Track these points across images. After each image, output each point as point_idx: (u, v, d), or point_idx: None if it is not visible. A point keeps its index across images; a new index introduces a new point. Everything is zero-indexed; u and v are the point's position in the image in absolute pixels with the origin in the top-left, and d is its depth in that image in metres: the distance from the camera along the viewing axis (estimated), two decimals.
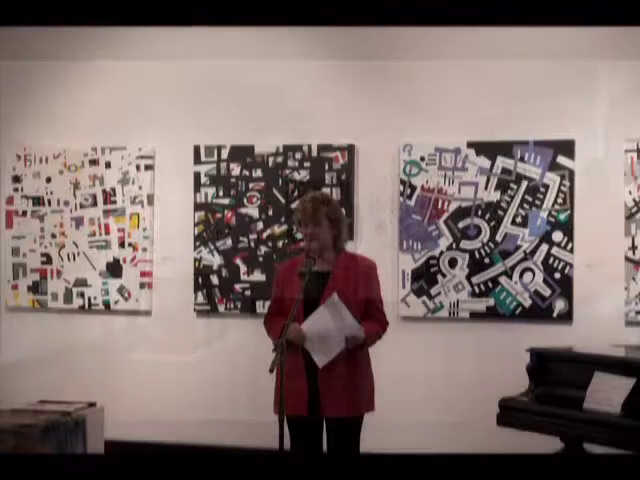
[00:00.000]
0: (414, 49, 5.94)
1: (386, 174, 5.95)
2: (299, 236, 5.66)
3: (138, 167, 6.26)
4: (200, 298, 6.15)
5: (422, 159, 5.87)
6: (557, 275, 5.66)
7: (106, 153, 6.31)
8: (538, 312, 5.68)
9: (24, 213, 6.43)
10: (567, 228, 5.66)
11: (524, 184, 5.73)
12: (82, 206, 6.34)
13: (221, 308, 6.12)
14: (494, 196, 5.77)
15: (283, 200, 6.06)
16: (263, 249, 6.07)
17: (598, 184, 5.66)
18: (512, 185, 5.75)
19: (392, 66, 5.97)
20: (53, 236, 6.37)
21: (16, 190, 6.44)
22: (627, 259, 5.59)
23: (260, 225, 6.09)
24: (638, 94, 5.63)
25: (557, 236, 5.67)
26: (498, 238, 5.76)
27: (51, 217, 6.38)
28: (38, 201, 6.40)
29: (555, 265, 5.66)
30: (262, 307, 5.94)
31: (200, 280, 6.15)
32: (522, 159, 5.73)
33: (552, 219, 5.68)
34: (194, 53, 6.21)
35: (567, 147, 5.67)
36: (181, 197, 6.22)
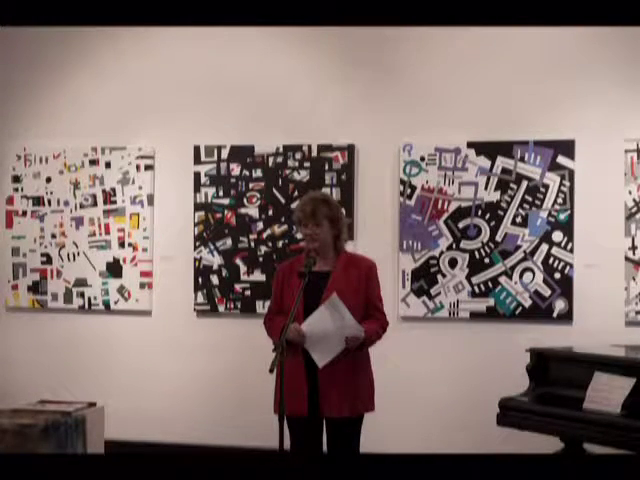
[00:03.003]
0: (414, 49, 5.94)
1: (386, 174, 5.95)
2: (299, 236, 5.66)
3: (138, 167, 6.27)
4: (200, 298, 6.15)
5: (422, 159, 5.87)
6: (557, 275, 5.66)
7: (106, 153, 6.31)
8: (538, 312, 5.68)
9: (24, 213, 6.44)
10: (567, 228, 5.66)
11: (524, 184, 5.73)
12: (82, 206, 6.34)
13: (221, 308, 6.12)
14: (494, 196, 5.77)
15: (283, 200, 6.06)
16: (263, 249, 6.07)
17: (598, 184, 5.66)
18: (512, 185, 5.75)
19: (392, 66, 5.97)
20: (53, 236, 6.37)
21: (16, 190, 6.44)
22: (627, 259, 5.59)
23: (260, 225, 6.09)
24: (638, 94, 5.63)
25: (557, 236, 5.68)
26: (498, 238, 5.76)
27: (51, 217, 6.38)
28: (38, 201, 6.40)
29: (555, 265, 5.66)
30: (262, 307, 5.94)
31: (200, 280, 6.15)
32: (522, 159, 5.73)
33: (552, 219, 5.68)
34: (194, 53, 6.22)
35: (567, 147, 5.67)
36: (181, 197, 6.22)
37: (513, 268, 5.73)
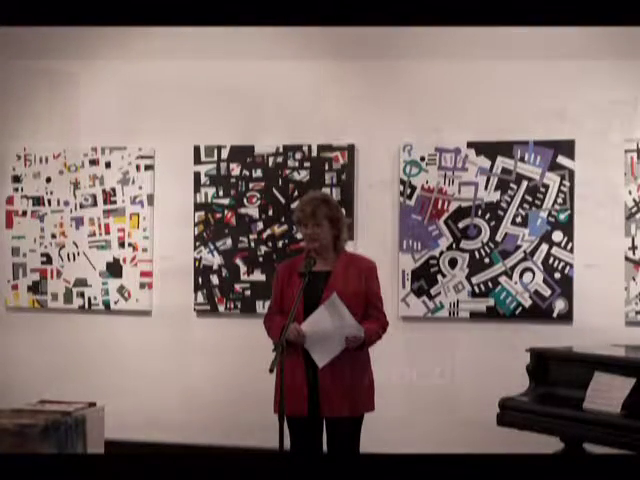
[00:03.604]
0: (414, 49, 5.94)
1: (386, 174, 5.95)
2: (299, 236, 5.66)
3: (138, 167, 6.27)
4: (200, 298, 6.15)
5: (422, 159, 5.87)
6: (557, 275, 5.66)
7: (106, 153, 6.31)
8: (538, 312, 5.68)
9: (24, 213, 6.43)
10: (567, 228, 5.66)
11: (524, 184, 5.73)
12: (82, 206, 6.34)
13: (221, 308, 6.12)
14: (494, 196, 5.77)
15: (283, 200, 6.06)
16: (263, 249, 6.07)
17: (598, 184, 5.66)
18: (512, 185, 5.75)
19: (392, 66, 5.97)
20: (53, 236, 6.37)
21: (16, 190, 6.44)
22: (627, 259, 5.59)
23: (260, 225, 6.09)
24: (638, 93, 5.63)
25: (557, 236, 5.68)
26: (498, 238, 5.76)
27: (51, 217, 6.38)
28: (38, 201, 6.40)
29: (555, 265, 5.66)
30: (262, 307, 5.94)
31: (200, 280, 6.15)
32: (522, 159, 5.73)
33: (552, 219, 5.68)
34: (194, 53, 6.21)
35: (567, 147, 5.67)
36: (181, 197, 6.22)
37: (513, 268, 5.73)
